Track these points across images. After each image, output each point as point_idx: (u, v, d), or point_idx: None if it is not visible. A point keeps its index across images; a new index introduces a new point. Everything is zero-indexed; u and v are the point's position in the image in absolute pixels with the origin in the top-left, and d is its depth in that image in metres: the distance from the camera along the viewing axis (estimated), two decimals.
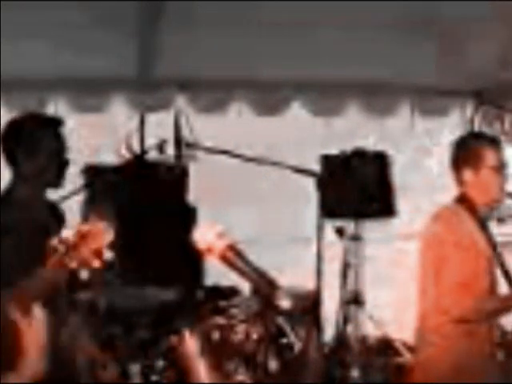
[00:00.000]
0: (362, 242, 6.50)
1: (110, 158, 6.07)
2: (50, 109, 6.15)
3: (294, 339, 5.05)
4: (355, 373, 6.16)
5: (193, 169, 6.17)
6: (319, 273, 5.62)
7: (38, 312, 2.61)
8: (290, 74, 6.21)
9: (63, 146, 3.98)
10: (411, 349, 5.28)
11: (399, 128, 7.35)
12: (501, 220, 5.96)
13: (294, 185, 6.24)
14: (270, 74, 6.16)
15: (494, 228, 4.38)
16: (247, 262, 2.52)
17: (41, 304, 2.70)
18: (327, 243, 5.77)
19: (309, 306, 5.35)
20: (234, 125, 6.76)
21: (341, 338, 6.36)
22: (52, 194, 4.13)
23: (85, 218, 5.99)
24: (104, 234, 2.78)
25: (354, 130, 7.41)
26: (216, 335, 4.72)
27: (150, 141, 6.02)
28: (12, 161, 3.90)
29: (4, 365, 2.69)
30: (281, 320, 5.03)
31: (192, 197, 6.29)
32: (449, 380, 3.97)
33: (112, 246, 2.76)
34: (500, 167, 4.09)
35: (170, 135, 5.56)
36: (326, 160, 6.42)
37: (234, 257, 2.53)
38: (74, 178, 5.46)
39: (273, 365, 4.78)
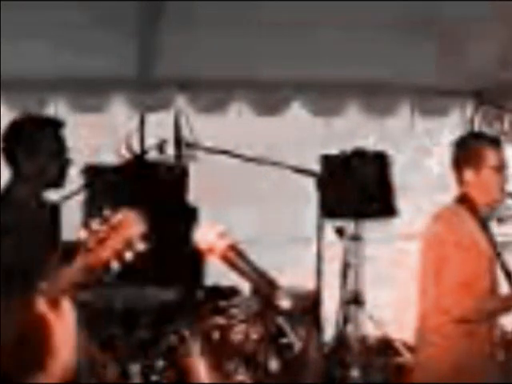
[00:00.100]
0: (361, 242, 6.50)
1: (110, 158, 6.07)
2: (50, 109, 6.15)
3: (294, 339, 5.05)
4: (355, 373, 6.16)
5: (193, 169, 6.17)
6: (319, 273, 5.62)
7: (68, 306, 2.56)
8: (290, 74, 6.21)
9: (63, 147, 3.98)
10: (411, 349, 5.28)
11: (399, 128, 7.35)
12: (501, 220, 5.95)
13: (293, 185, 6.25)
14: (270, 74, 6.16)
15: (494, 228, 4.38)
16: (248, 262, 2.52)
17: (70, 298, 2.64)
18: (327, 243, 5.77)
19: (309, 306, 5.35)
20: (234, 125, 6.76)
21: (341, 338, 6.36)
22: (52, 194, 4.13)
23: (88, 216, 6.01)
24: (135, 224, 2.71)
25: (353, 130, 7.41)
26: (216, 335, 4.72)
27: (150, 141, 6.03)
28: (12, 161, 3.91)
29: (33, 364, 2.67)
30: (281, 320, 5.03)
31: (192, 197, 6.29)
32: (449, 380, 3.97)
33: (144, 236, 2.70)
34: (501, 167, 4.09)
35: (170, 135, 5.56)
36: (326, 160, 6.42)
37: (234, 257, 2.53)
38: (73, 178, 5.46)
39: (273, 365, 4.78)
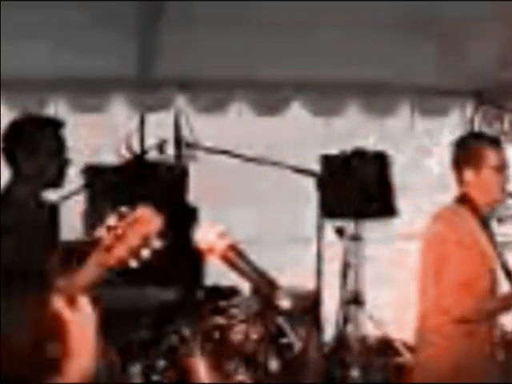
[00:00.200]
0: (361, 242, 6.50)
1: (110, 158, 6.07)
2: (49, 109, 6.15)
3: (294, 339, 5.05)
4: (355, 373, 6.16)
5: (193, 169, 6.17)
6: (319, 273, 5.62)
7: (86, 305, 2.52)
8: (290, 74, 6.20)
9: (63, 147, 3.99)
10: (411, 349, 5.28)
11: (399, 128, 7.35)
12: (501, 220, 5.95)
13: (293, 185, 6.25)
14: (270, 74, 6.16)
15: (494, 228, 4.39)
16: (248, 262, 2.52)
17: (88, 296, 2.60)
18: (327, 243, 5.77)
19: (309, 306, 5.35)
20: (234, 125, 6.76)
21: (341, 338, 6.36)
22: (52, 194, 4.13)
23: (88, 216, 6.01)
24: (152, 221, 2.69)
25: (353, 130, 7.42)
26: (216, 335, 4.73)
27: (150, 141, 6.03)
28: (12, 161, 3.91)
29: (48, 366, 2.65)
30: (281, 320, 5.03)
31: (192, 197, 6.29)
32: (449, 380, 3.97)
33: (161, 234, 2.68)
34: (501, 167, 4.09)
35: (170, 135, 5.56)
36: (326, 160, 6.42)
37: (234, 257, 2.53)
38: (73, 178, 5.46)
39: (273, 365, 4.78)
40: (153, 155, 5.69)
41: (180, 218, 6.06)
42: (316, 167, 6.11)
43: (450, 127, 7.26)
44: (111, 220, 2.65)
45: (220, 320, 4.80)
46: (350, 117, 6.86)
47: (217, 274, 4.91)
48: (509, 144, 5.47)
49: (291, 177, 5.63)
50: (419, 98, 6.91)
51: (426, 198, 7.75)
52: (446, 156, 4.24)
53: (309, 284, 5.59)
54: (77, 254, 2.79)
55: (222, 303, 5.07)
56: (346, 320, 6.41)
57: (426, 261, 4.10)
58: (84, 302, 2.49)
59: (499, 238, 4.28)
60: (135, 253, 2.63)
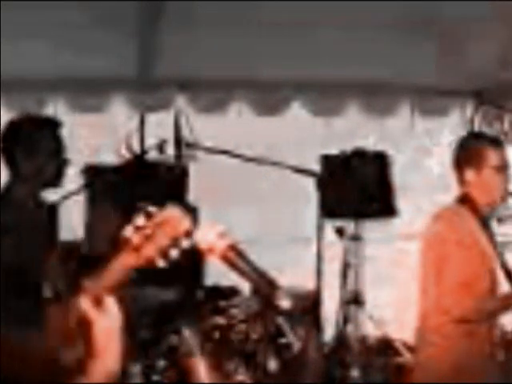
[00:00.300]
0: (361, 242, 6.50)
1: (110, 158, 6.07)
2: (49, 109, 6.15)
3: (293, 339, 5.05)
4: (355, 373, 6.16)
5: (193, 169, 6.17)
6: (319, 273, 5.63)
7: (113, 306, 2.49)
8: (290, 74, 6.20)
9: (61, 147, 3.99)
10: (411, 349, 5.28)
11: (399, 128, 7.34)
12: (501, 220, 5.95)
13: (294, 185, 6.25)
14: (270, 74, 6.16)
15: (494, 228, 4.39)
16: (248, 262, 2.52)
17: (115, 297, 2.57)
18: (327, 243, 5.77)
19: (309, 306, 5.35)
20: (234, 125, 6.76)
21: (341, 338, 6.36)
22: (52, 194, 4.13)
23: (88, 217, 6.01)
24: (182, 221, 2.66)
25: (353, 130, 7.41)
26: (216, 335, 4.73)
27: (150, 141, 6.03)
28: (11, 161, 3.91)
29: (72, 366, 2.64)
30: (280, 320, 5.03)
31: (192, 197, 6.29)
32: (449, 380, 3.97)
33: (189, 233, 2.65)
34: (502, 167, 4.09)
35: (170, 135, 5.56)
36: (326, 160, 6.42)
37: (234, 257, 2.52)
38: (73, 178, 5.46)
39: (272, 365, 4.78)
40: (153, 155, 5.69)
41: None
42: (316, 167, 6.11)
43: (450, 127, 7.26)
44: (139, 220, 2.62)
45: (220, 320, 4.80)
46: (350, 117, 6.86)
47: (217, 274, 4.91)
48: (509, 144, 5.47)
49: (291, 177, 5.63)
50: (419, 98, 6.91)
51: (426, 198, 7.74)
52: (446, 156, 4.24)
53: (309, 284, 5.59)
54: (103, 254, 2.75)
55: (222, 303, 5.07)
56: (345, 320, 6.41)
57: (426, 261, 4.10)
58: (110, 302, 2.46)
59: (499, 238, 4.29)
60: (164, 253, 2.60)
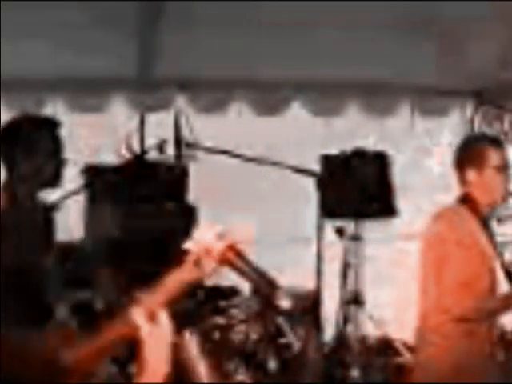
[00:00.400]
0: (361, 242, 6.50)
1: (110, 158, 6.07)
2: (49, 109, 6.15)
3: (293, 339, 5.05)
4: (355, 373, 6.16)
5: (193, 169, 6.17)
6: (319, 273, 5.63)
7: (165, 319, 2.45)
8: (290, 74, 6.20)
9: (60, 147, 3.99)
10: (411, 349, 5.28)
11: (399, 128, 7.34)
12: (501, 220, 5.95)
13: (294, 185, 6.24)
14: (270, 74, 6.16)
15: (494, 228, 4.39)
16: (247, 262, 2.51)
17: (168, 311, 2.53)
18: (327, 243, 5.77)
19: (309, 306, 5.35)
20: (234, 125, 6.75)
21: (341, 338, 6.36)
22: (52, 194, 4.13)
23: (88, 217, 6.01)
24: (241, 230, 2.62)
25: (353, 130, 7.41)
26: (216, 335, 4.73)
27: (150, 141, 6.02)
28: (10, 161, 3.91)
29: (60, 373, 2.63)
30: (280, 320, 5.04)
31: (192, 197, 6.29)
32: (449, 380, 3.97)
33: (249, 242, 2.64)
34: (503, 167, 4.09)
35: (170, 135, 5.56)
36: (326, 160, 6.42)
37: (234, 257, 2.51)
38: (74, 178, 5.46)
39: (272, 364, 4.78)
40: (153, 155, 5.69)
41: (180, 218, 6.07)
42: (316, 167, 6.11)
43: (450, 127, 7.26)
44: (198, 233, 2.58)
45: (220, 320, 4.80)
46: (350, 117, 6.86)
47: (217, 273, 4.91)
48: (509, 144, 5.47)
49: (291, 177, 5.63)
50: (419, 98, 6.91)
51: (426, 198, 7.74)
52: (446, 156, 4.25)
53: (309, 284, 5.59)
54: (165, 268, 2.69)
55: (222, 303, 5.07)
56: (345, 320, 6.41)
57: (426, 260, 4.10)
58: (163, 317, 2.42)
59: (499, 238, 4.29)
60: (228, 262, 2.57)
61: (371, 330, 6.57)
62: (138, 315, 2.38)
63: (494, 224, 4.67)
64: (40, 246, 3.90)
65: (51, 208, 4.13)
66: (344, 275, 6.45)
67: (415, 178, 8.55)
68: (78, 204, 5.84)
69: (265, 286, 2.51)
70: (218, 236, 2.54)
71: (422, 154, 9.04)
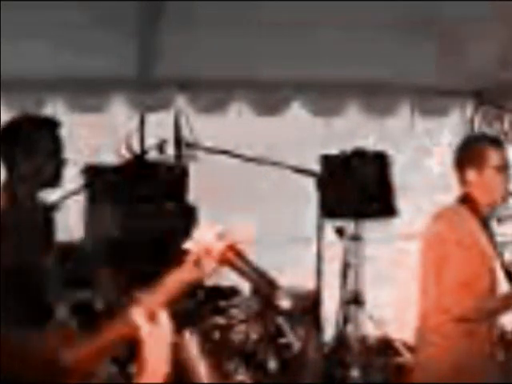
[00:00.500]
0: (361, 242, 6.50)
1: (110, 158, 6.07)
2: (49, 109, 6.15)
3: (293, 339, 5.05)
4: (355, 373, 6.16)
5: (193, 169, 6.17)
6: (319, 273, 5.63)
7: (165, 319, 2.44)
8: (290, 74, 6.20)
9: (60, 147, 3.99)
10: (411, 349, 5.28)
11: (399, 128, 7.34)
12: (501, 220, 5.95)
13: (294, 185, 6.24)
14: (270, 74, 6.16)
15: (494, 228, 4.39)
16: (247, 262, 2.51)
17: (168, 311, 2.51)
18: (327, 243, 5.77)
19: (309, 306, 5.35)
20: (234, 125, 6.75)
21: (341, 338, 6.36)
22: (52, 194, 4.13)
23: (88, 217, 6.01)
24: (240, 230, 2.61)
25: (353, 130, 7.40)
26: (216, 335, 4.73)
27: (150, 141, 6.03)
28: (10, 161, 3.91)
29: (60, 373, 2.62)
30: (280, 320, 5.04)
31: (192, 197, 6.29)
32: (449, 380, 3.97)
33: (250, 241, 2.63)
34: (503, 167, 4.09)
35: (170, 135, 5.56)
36: (326, 160, 6.42)
37: (234, 257, 2.51)
38: (74, 178, 5.46)
39: (272, 365, 4.78)
40: (153, 155, 5.69)
41: (180, 218, 6.07)
42: (316, 167, 6.11)
43: (450, 127, 7.26)
44: (199, 234, 2.57)
45: (220, 320, 4.80)
46: (350, 117, 6.86)
47: (217, 274, 4.91)
48: (509, 144, 5.47)
49: (291, 177, 5.63)
50: (419, 97, 6.91)
51: (426, 197, 7.74)
52: (446, 156, 4.25)
53: (309, 284, 5.59)
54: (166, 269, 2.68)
55: (222, 303, 5.07)
56: (345, 320, 6.41)
57: (426, 260, 4.10)
58: (163, 317, 2.42)
59: (499, 238, 4.29)
60: (228, 262, 2.56)
61: (371, 330, 6.57)
62: (138, 315, 2.38)
63: (493, 224, 4.67)
64: (40, 245, 3.90)
65: (51, 208, 4.13)
66: (344, 275, 6.45)
67: (415, 178, 8.55)
68: (78, 204, 5.84)
69: (265, 286, 2.51)
70: (218, 236, 2.54)
71: (422, 153, 9.03)
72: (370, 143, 6.95)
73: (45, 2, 5.17)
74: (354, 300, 6.44)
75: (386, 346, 6.53)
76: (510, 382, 4.43)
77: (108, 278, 5.26)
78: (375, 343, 6.62)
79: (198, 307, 5.10)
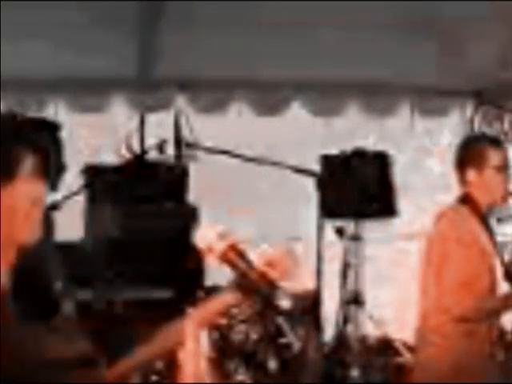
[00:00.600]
0: (361, 242, 6.50)
1: (110, 158, 6.07)
2: (49, 109, 6.15)
3: (293, 339, 5.05)
4: (355, 373, 6.16)
5: (193, 169, 6.17)
6: (319, 273, 5.62)
7: (204, 340, 2.47)
8: (290, 74, 6.21)
9: (60, 150, 3.99)
10: (411, 349, 5.28)
11: (399, 128, 7.34)
12: (501, 220, 5.95)
13: (294, 185, 6.24)
14: (270, 74, 6.16)
15: (494, 228, 4.39)
16: (248, 261, 2.51)
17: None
18: (327, 243, 5.77)
19: (309, 306, 5.35)
20: (234, 125, 6.75)
21: (341, 338, 6.36)
22: (52, 195, 4.12)
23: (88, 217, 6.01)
24: (285, 260, 2.61)
25: (353, 130, 7.40)
26: (216, 335, 4.72)
27: (150, 141, 6.02)
28: None
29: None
30: (280, 320, 5.03)
31: (192, 197, 6.29)
32: (449, 380, 3.97)
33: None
34: (503, 167, 4.09)
35: (170, 135, 5.56)
36: (326, 160, 6.42)
37: (235, 257, 2.52)
38: (74, 178, 5.46)
39: (272, 365, 4.78)
40: (153, 155, 5.69)
41: (180, 218, 6.07)
42: (316, 167, 6.11)
43: (450, 127, 7.26)
44: (200, 233, 2.58)
45: (220, 320, 4.79)
46: (350, 117, 6.86)
47: (217, 273, 4.91)
48: (509, 144, 5.47)
49: (291, 177, 5.62)
50: (419, 98, 6.91)
51: (426, 198, 7.73)
52: (447, 156, 4.25)
53: (309, 284, 5.59)
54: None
55: None
56: (345, 320, 6.41)
57: (427, 260, 4.10)
58: (203, 336, 2.44)
59: (499, 238, 4.29)
60: (227, 261, 2.57)
61: (371, 330, 6.57)
62: (189, 331, 2.39)
63: (493, 224, 4.67)
64: (41, 246, 3.89)
65: (51, 208, 4.13)
66: (344, 275, 6.45)
67: (415, 177, 8.54)
68: (78, 204, 5.84)
69: (265, 286, 2.51)
70: (220, 236, 2.54)
71: (422, 153, 9.02)
72: (370, 143, 6.95)
73: (45, 2, 5.17)
74: (353, 300, 6.43)
75: (386, 346, 6.53)
76: (510, 382, 4.43)
77: (108, 277, 5.26)
78: (375, 343, 6.62)
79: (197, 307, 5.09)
